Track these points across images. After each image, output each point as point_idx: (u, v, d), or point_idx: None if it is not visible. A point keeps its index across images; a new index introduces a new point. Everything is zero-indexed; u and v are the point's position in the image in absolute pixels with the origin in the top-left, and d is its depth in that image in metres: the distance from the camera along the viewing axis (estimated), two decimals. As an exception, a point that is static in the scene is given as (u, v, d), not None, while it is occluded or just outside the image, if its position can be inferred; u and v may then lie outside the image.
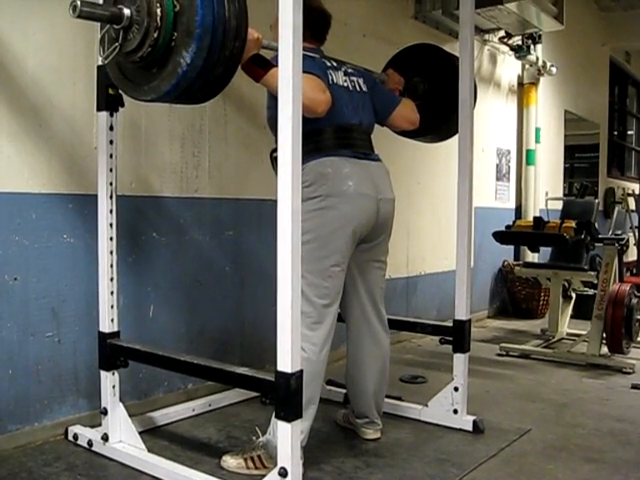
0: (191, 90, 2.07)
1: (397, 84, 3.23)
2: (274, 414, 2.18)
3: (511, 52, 6.48)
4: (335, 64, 2.79)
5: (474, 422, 3.08)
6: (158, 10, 1.97)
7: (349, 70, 2.84)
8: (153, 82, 2.09)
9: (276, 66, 2.33)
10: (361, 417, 2.97)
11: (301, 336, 2.34)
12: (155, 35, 1.98)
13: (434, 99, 3.30)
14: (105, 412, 2.72)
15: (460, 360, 3.12)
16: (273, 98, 2.47)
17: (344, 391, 3.20)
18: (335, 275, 2.62)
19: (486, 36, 6.13)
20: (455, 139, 3.17)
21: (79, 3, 1.99)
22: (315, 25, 2.72)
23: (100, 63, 2.60)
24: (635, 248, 7.60)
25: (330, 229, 2.58)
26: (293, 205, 1.99)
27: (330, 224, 2.58)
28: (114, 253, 2.69)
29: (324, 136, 2.63)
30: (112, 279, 2.70)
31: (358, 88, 2.82)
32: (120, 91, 2.46)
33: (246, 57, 2.32)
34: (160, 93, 2.09)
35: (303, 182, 2.44)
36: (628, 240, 5.07)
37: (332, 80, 2.69)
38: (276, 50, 2.48)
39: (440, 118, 3.30)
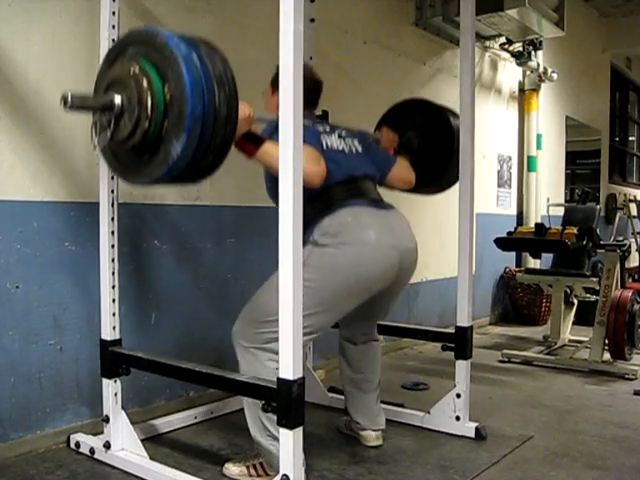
0: (183, 176, 2.07)
1: (391, 142, 3.22)
2: (275, 421, 2.19)
3: (512, 58, 6.50)
4: (328, 129, 2.75)
5: (476, 429, 3.08)
6: (149, 100, 1.96)
7: (343, 133, 2.80)
8: (145, 168, 2.08)
9: (268, 139, 2.38)
10: (362, 421, 2.98)
11: (271, 353, 2.39)
12: (146, 125, 1.97)
13: (430, 153, 3.30)
14: (107, 420, 2.72)
15: (462, 367, 3.12)
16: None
17: (346, 398, 3.20)
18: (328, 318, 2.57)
19: (487, 43, 6.15)
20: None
21: (70, 97, 1.99)
22: (308, 93, 2.67)
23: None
24: (637, 254, 7.60)
25: (340, 285, 2.49)
26: (295, 212, 1.99)
27: (342, 278, 2.49)
28: (115, 261, 2.70)
29: (331, 192, 2.57)
30: (114, 287, 2.70)
31: (354, 150, 2.78)
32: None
33: (238, 135, 2.27)
34: (152, 179, 2.09)
35: (322, 234, 2.48)
36: (630, 246, 5.07)
37: (327, 145, 2.65)
38: (268, 122, 2.53)
39: (438, 171, 3.29)
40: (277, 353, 2.37)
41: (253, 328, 2.49)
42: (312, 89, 2.74)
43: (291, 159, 1.98)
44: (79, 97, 2.04)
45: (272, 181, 2.43)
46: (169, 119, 1.96)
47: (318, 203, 2.50)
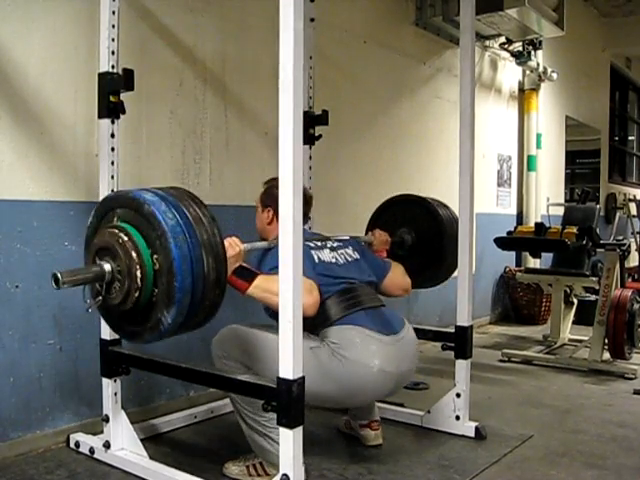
0: (174, 334, 2.09)
1: (384, 244, 3.24)
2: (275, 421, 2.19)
3: (512, 58, 6.50)
4: (319, 244, 2.75)
5: (476, 428, 3.08)
6: (138, 272, 1.98)
7: (334, 245, 2.80)
8: (137, 329, 2.12)
9: (260, 273, 2.41)
10: (361, 418, 2.98)
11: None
12: (136, 295, 2.00)
13: (422, 248, 3.37)
14: (107, 419, 2.72)
15: (462, 366, 3.12)
16: None
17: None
18: None
19: (487, 42, 6.15)
20: (455, 145, 3.17)
21: (60, 276, 2.00)
22: None
23: (101, 71, 2.62)
24: (637, 254, 7.60)
25: (330, 391, 2.49)
26: (295, 212, 1.99)
27: (335, 387, 2.48)
28: (116, 260, 2.69)
29: (330, 303, 2.55)
30: (114, 286, 2.70)
31: (349, 258, 2.78)
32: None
33: (229, 271, 2.27)
34: (144, 341, 2.14)
35: (329, 341, 2.48)
36: (629, 245, 5.06)
37: (318, 259, 2.65)
38: (260, 249, 2.59)
39: (433, 265, 3.35)
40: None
41: (241, 352, 2.54)
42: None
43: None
44: (69, 273, 2.04)
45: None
46: (159, 288, 1.98)
47: (318, 315, 2.47)
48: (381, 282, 2.92)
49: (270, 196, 2.75)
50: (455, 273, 3.20)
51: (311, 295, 2.42)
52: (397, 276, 3.00)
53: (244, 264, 2.46)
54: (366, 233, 3.43)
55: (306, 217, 2.86)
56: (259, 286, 2.39)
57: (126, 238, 2.01)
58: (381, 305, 2.74)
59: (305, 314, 2.15)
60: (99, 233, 2.13)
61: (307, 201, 2.82)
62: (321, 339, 2.51)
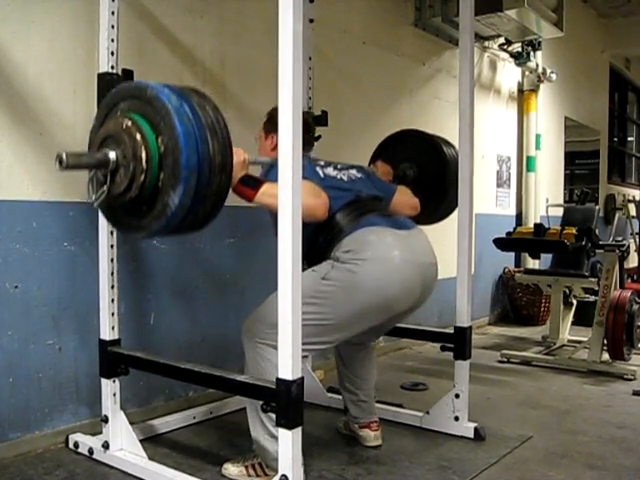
0: (181, 226, 2.08)
1: (386, 175, 3.23)
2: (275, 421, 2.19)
3: (511, 59, 6.51)
4: (323, 163, 2.75)
5: (475, 429, 3.08)
6: (143, 153, 1.96)
7: (338, 166, 2.79)
8: (143, 220, 2.08)
9: (266, 181, 2.40)
10: (360, 419, 2.98)
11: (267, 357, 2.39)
12: (142, 178, 1.97)
13: (425, 184, 3.32)
14: (106, 420, 2.72)
15: (461, 367, 3.12)
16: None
17: (345, 398, 3.20)
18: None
19: (486, 43, 6.15)
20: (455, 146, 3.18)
21: (64, 157, 1.98)
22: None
23: (101, 71, 2.62)
24: (636, 254, 7.61)
25: (361, 303, 2.44)
26: (294, 211, 1.99)
27: (364, 296, 2.43)
28: (115, 261, 2.69)
29: (341, 215, 2.53)
30: (113, 287, 2.70)
31: (353, 177, 2.76)
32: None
33: (235, 180, 2.30)
34: (151, 232, 2.10)
35: (344, 251, 2.45)
36: (629, 246, 5.06)
37: (324, 174, 2.65)
38: (264, 164, 2.62)
39: (434, 201, 3.31)
40: None
41: (266, 328, 2.46)
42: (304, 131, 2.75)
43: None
44: (74, 156, 2.03)
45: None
46: (164, 171, 1.96)
47: (330, 229, 2.48)
48: (389, 201, 2.87)
49: (273, 123, 2.74)
50: (455, 211, 3.19)
51: (319, 197, 2.44)
52: (405, 196, 2.97)
53: (249, 174, 2.45)
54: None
55: (309, 145, 2.90)
56: (266, 192, 2.36)
57: (130, 123, 1.99)
58: (396, 217, 2.72)
59: (315, 215, 2.18)
60: (103, 125, 2.11)
61: (308, 128, 2.83)
62: (332, 258, 2.47)
